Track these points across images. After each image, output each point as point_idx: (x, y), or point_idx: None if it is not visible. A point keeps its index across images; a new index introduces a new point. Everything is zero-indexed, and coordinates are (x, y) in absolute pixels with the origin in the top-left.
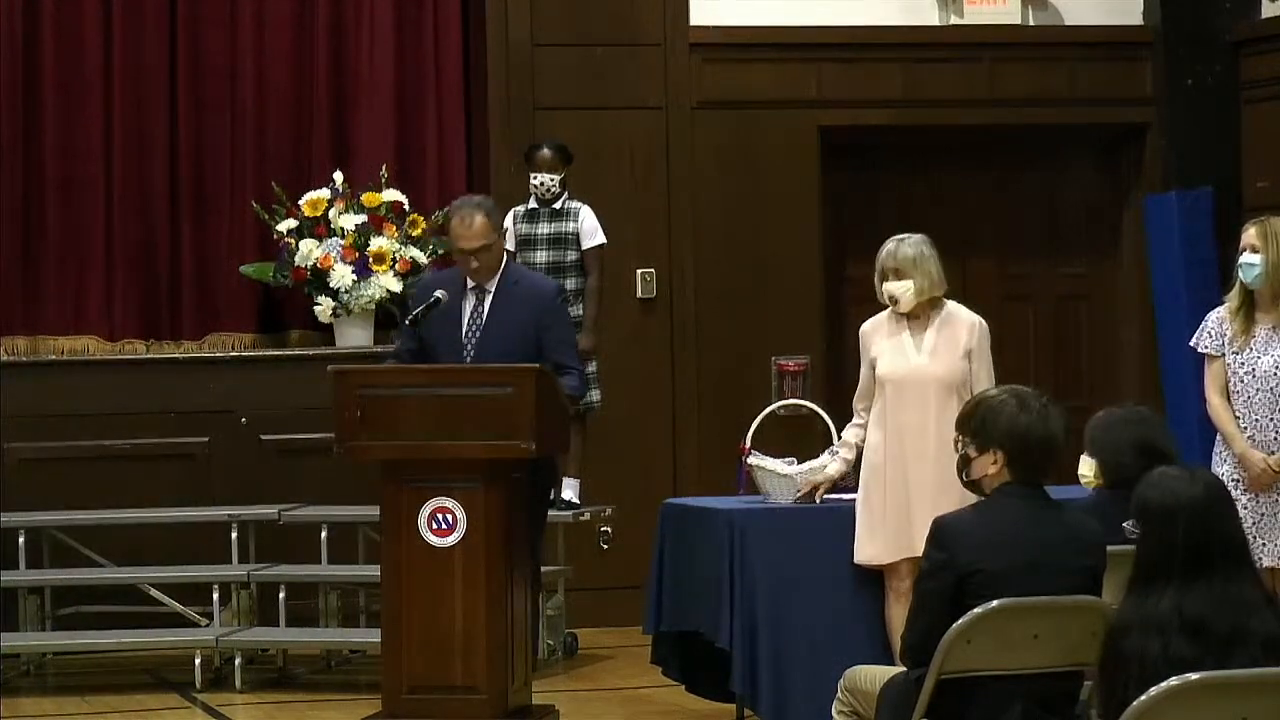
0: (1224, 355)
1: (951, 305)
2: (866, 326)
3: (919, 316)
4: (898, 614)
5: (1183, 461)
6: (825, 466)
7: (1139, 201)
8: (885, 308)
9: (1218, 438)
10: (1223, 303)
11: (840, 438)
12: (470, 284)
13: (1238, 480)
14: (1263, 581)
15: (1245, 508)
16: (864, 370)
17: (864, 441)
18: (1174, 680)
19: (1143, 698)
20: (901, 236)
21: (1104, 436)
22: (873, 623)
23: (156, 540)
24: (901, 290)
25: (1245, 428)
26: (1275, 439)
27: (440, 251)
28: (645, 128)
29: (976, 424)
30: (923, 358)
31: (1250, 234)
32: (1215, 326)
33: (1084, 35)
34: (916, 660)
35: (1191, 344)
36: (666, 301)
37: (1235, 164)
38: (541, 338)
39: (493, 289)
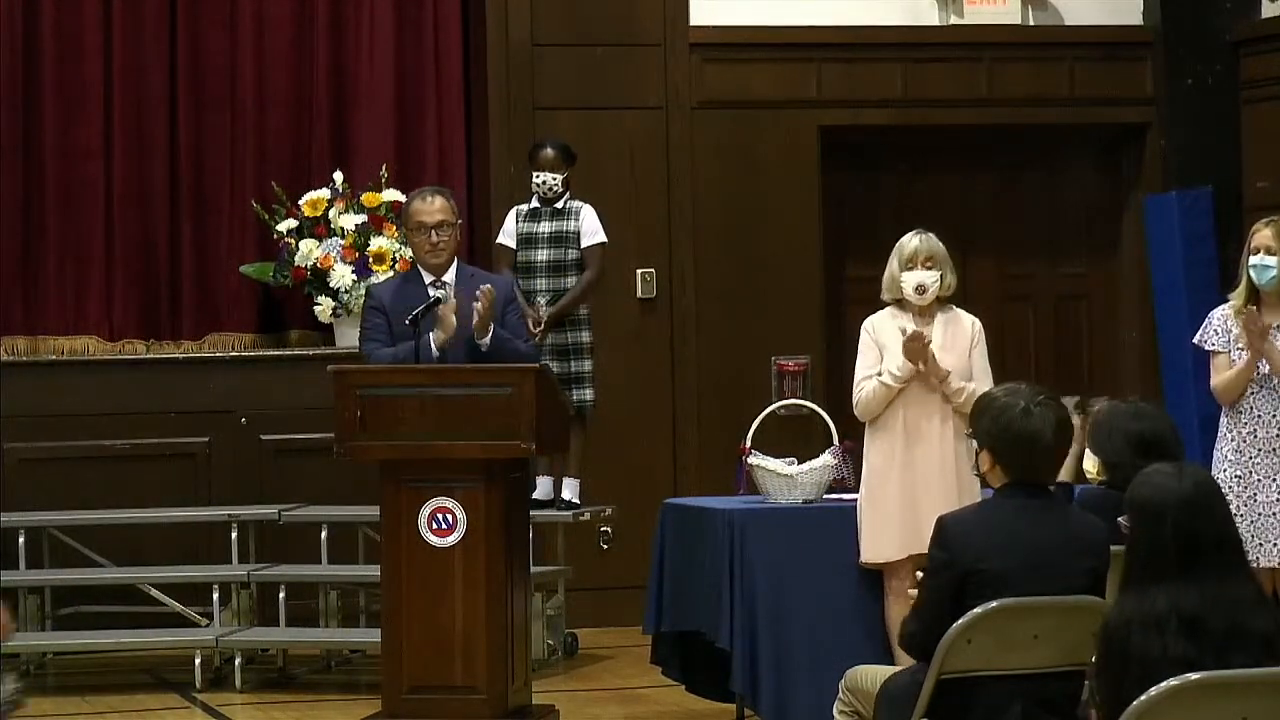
0: (1229, 352)
1: (954, 306)
2: (872, 321)
3: (926, 314)
4: (897, 613)
5: (1184, 455)
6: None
7: (1139, 201)
8: (884, 307)
9: (1218, 438)
10: (1225, 301)
11: (871, 382)
12: (427, 279)
13: (1240, 477)
14: (1258, 580)
15: (1245, 505)
16: (869, 358)
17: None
18: (1174, 680)
19: (1142, 698)
20: (921, 231)
21: (1103, 433)
22: (873, 623)
23: (156, 540)
24: (931, 280)
25: (1247, 423)
26: (1278, 435)
27: None
28: (645, 128)
29: (973, 420)
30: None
31: (1266, 235)
32: (1220, 324)
33: (1084, 35)
34: (916, 650)
35: (1195, 341)
36: (666, 301)
37: (1235, 164)
38: (504, 319)
39: (451, 280)
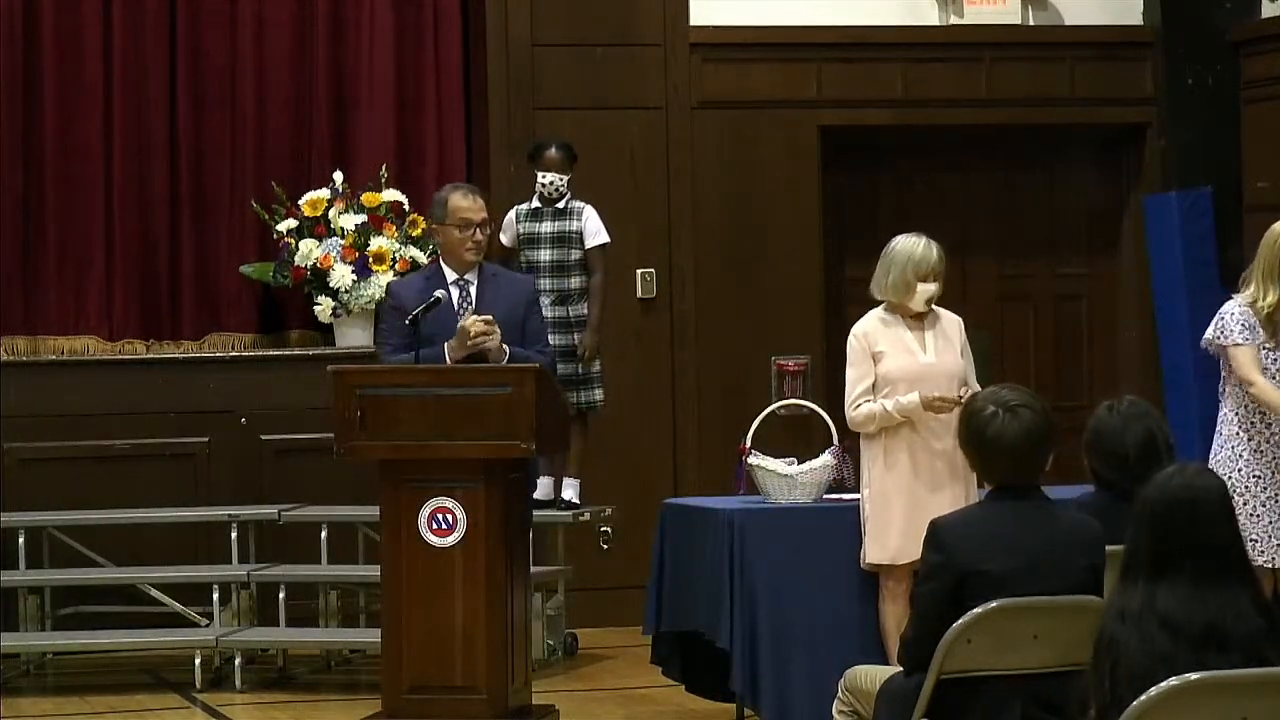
0: (1252, 344)
1: (937, 306)
2: (863, 327)
3: (916, 317)
4: (891, 613)
5: (1177, 453)
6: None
7: (1139, 201)
8: (877, 305)
9: (1228, 436)
10: (1229, 298)
11: (874, 405)
12: (450, 277)
13: (1259, 477)
14: (1255, 583)
15: (1264, 505)
16: (862, 368)
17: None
18: (1173, 680)
19: (1141, 698)
20: (925, 237)
21: (1094, 436)
22: (873, 623)
23: (156, 540)
24: (936, 292)
25: (1272, 422)
26: None
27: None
28: (645, 128)
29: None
30: (930, 356)
31: None
32: (1242, 318)
33: (1084, 35)
34: (914, 663)
35: (1211, 338)
36: (666, 301)
37: (1235, 164)
38: (526, 324)
39: (474, 280)
